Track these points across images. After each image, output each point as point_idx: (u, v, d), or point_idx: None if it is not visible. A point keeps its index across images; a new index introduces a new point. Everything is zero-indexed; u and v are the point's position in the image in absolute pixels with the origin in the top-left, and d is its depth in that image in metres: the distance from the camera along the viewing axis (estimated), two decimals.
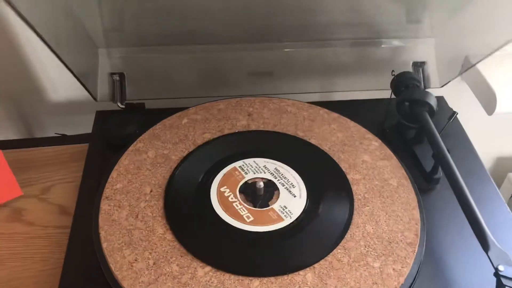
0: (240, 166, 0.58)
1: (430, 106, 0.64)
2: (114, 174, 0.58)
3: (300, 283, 0.47)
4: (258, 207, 0.54)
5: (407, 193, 0.56)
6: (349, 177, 0.58)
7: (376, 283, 0.47)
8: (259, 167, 0.58)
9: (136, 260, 0.49)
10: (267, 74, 0.76)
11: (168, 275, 0.47)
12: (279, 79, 0.77)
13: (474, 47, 0.69)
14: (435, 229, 0.56)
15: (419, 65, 0.75)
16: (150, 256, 0.49)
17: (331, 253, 0.49)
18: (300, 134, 0.63)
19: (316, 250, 0.50)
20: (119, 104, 0.69)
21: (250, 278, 0.47)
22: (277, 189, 0.56)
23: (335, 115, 0.66)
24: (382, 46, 0.74)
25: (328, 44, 0.73)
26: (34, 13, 0.50)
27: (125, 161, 0.59)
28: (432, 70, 0.75)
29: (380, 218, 0.53)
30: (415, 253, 0.50)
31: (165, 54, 0.70)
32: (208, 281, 0.47)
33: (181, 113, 0.66)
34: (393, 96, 0.69)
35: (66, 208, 0.62)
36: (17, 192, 0.62)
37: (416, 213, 0.54)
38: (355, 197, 0.55)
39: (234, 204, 0.54)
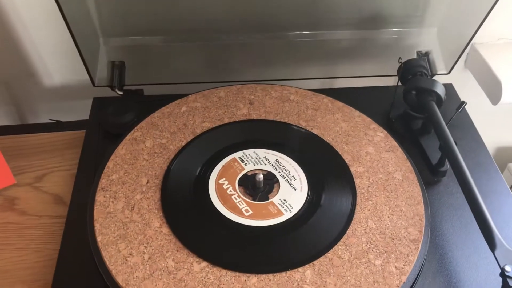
0: (240, 157, 0.56)
1: (438, 95, 0.61)
2: (110, 164, 0.56)
3: (298, 280, 0.45)
4: (258, 201, 0.52)
5: (412, 187, 0.54)
6: (352, 169, 0.56)
7: (377, 282, 0.46)
8: (260, 159, 0.56)
9: (131, 254, 0.47)
10: (268, 60, 0.74)
11: (163, 271, 0.46)
12: (281, 65, 0.75)
13: (477, 34, 0.66)
14: (440, 224, 0.54)
15: (424, 54, 0.73)
16: (145, 250, 0.48)
17: (331, 250, 0.48)
18: (302, 124, 0.61)
19: (316, 246, 0.48)
20: (117, 90, 0.67)
21: (248, 274, 0.46)
22: (278, 181, 0.54)
23: (340, 104, 0.64)
24: (386, 35, 0.72)
25: (331, 31, 0.71)
26: None
27: (122, 150, 0.57)
28: (437, 58, 0.72)
29: (383, 213, 0.51)
30: (418, 251, 0.48)
31: (165, 42, 0.69)
32: (204, 277, 0.46)
33: (180, 100, 0.64)
34: (399, 84, 0.66)
35: (61, 197, 0.61)
36: (10, 180, 0.61)
37: (421, 208, 0.52)
38: (358, 191, 0.53)
39: (232, 197, 0.52)
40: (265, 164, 0.56)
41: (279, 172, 0.55)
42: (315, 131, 0.60)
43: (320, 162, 0.56)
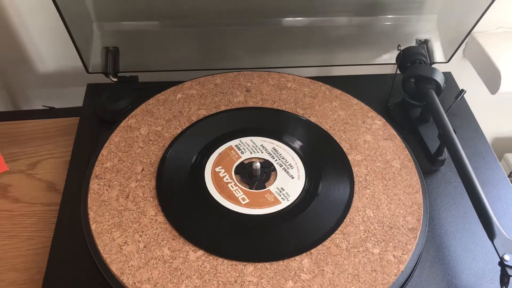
0: (236, 145, 0.56)
1: (438, 83, 0.61)
2: (104, 151, 0.55)
3: (296, 269, 0.45)
4: (254, 189, 0.51)
5: (410, 175, 0.53)
6: (350, 158, 0.55)
7: (375, 270, 0.45)
8: (256, 147, 0.56)
9: (125, 243, 0.47)
10: (265, 47, 0.73)
11: (159, 259, 0.45)
12: (277, 52, 0.74)
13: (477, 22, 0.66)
14: (438, 213, 0.54)
15: (423, 42, 0.72)
16: (140, 239, 0.47)
17: (329, 238, 0.47)
18: (300, 112, 0.60)
19: (313, 234, 0.48)
20: (111, 77, 0.66)
21: (244, 263, 0.45)
22: (275, 170, 0.53)
23: (337, 91, 0.63)
24: (384, 21, 0.71)
25: (329, 17, 0.70)
26: None
27: (116, 138, 0.56)
28: (436, 47, 0.72)
29: (381, 202, 0.51)
30: (416, 239, 0.48)
31: (161, 28, 0.67)
32: (201, 266, 0.45)
33: (176, 87, 0.63)
34: (398, 72, 0.66)
35: (54, 184, 0.60)
36: (2, 167, 0.60)
37: (419, 197, 0.51)
38: (355, 179, 0.53)
39: (229, 185, 0.52)
40: (262, 152, 0.55)
41: (276, 160, 0.54)
42: (312, 119, 0.59)
43: (318, 150, 0.56)
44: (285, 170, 0.53)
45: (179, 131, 0.57)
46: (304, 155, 0.55)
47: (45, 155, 0.63)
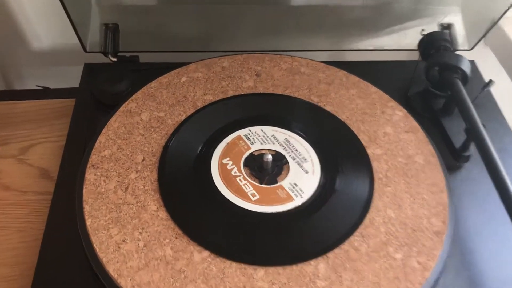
0: (245, 135, 0.51)
1: (464, 72, 0.56)
2: (102, 138, 0.51)
3: (311, 274, 0.41)
4: (265, 184, 0.47)
5: (434, 172, 0.49)
6: (369, 151, 0.51)
7: (397, 278, 0.41)
8: (267, 137, 0.51)
9: (124, 241, 0.42)
10: (273, 29, 0.68)
11: (160, 260, 0.41)
12: (286, 35, 0.69)
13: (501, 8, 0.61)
14: (462, 214, 0.50)
15: (446, 27, 0.67)
16: (140, 237, 0.43)
17: (347, 241, 0.43)
18: (314, 100, 0.56)
19: (330, 236, 0.44)
20: (110, 57, 0.61)
21: (254, 267, 0.41)
22: (287, 163, 0.49)
23: (355, 78, 0.58)
24: (404, 3, 0.66)
25: None
26: None
27: (115, 123, 0.52)
28: (459, 33, 0.67)
29: (403, 202, 0.47)
30: (443, 244, 0.44)
31: (163, 4, 0.63)
32: (206, 269, 0.41)
33: (180, 69, 0.58)
34: (420, 59, 0.61)
35: (48, 171, 0.56)
36: None
37: (445, 197, 0.47)
38: (375, 175, 0.49)
39: (237, 179, 0.47)
40: (273, 144, 0.51)
41: (288, 152, 0.50)
42: (328, 108, 0.55)
43: (334, 143, 0.51)
44: (299, 164, 0.49)
45: (183, 117, 0.53)
46: (320, 148, 0.51)
47: (38, 138, 0.59)
